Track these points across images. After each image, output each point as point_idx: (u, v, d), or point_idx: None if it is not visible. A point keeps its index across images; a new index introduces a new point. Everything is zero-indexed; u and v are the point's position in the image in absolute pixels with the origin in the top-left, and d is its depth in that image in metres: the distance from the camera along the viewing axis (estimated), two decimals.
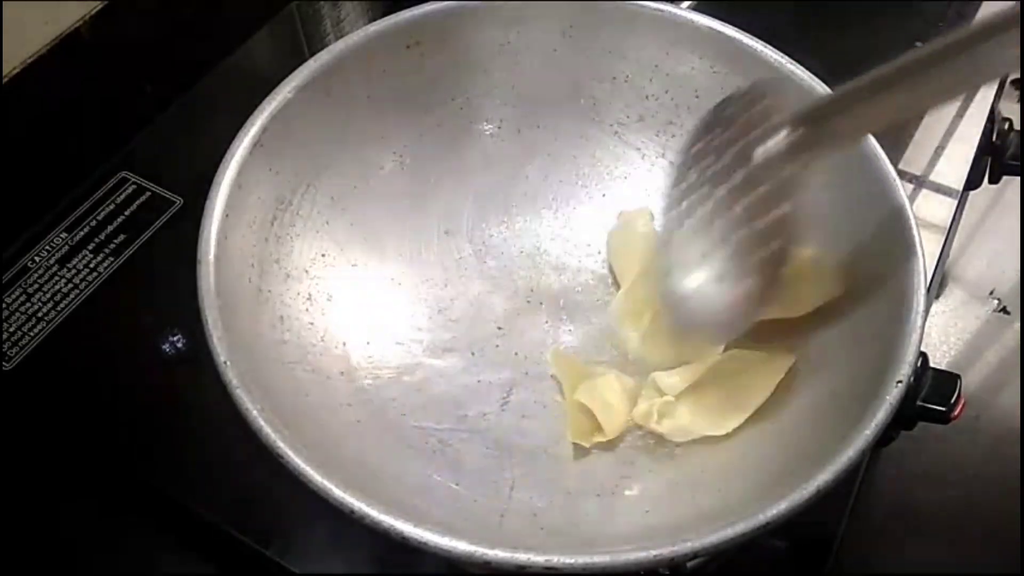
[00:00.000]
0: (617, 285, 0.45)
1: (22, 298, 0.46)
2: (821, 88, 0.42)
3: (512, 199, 0.48)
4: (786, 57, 0.43)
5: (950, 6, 0.62)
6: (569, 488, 0.38)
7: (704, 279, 0.35)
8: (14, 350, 0.44)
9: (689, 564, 0.35)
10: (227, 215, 0.37)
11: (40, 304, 0.46)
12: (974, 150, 0.54)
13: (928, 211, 0.51)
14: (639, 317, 0.42)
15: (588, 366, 0.42)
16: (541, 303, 0.45)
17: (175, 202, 0.50)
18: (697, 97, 0.46)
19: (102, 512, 0.42)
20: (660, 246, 0.39)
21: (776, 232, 0.33)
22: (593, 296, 0.46)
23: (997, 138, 0.56)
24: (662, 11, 0.44)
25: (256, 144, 0.39)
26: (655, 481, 0.38)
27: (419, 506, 0.33)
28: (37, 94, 0.49)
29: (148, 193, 0.50)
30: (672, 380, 0.40)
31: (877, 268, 0.38)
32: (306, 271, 0.41)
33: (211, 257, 0.36)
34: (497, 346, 0.43)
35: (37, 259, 0.47)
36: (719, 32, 0.44)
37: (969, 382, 0.47)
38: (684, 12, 0.44)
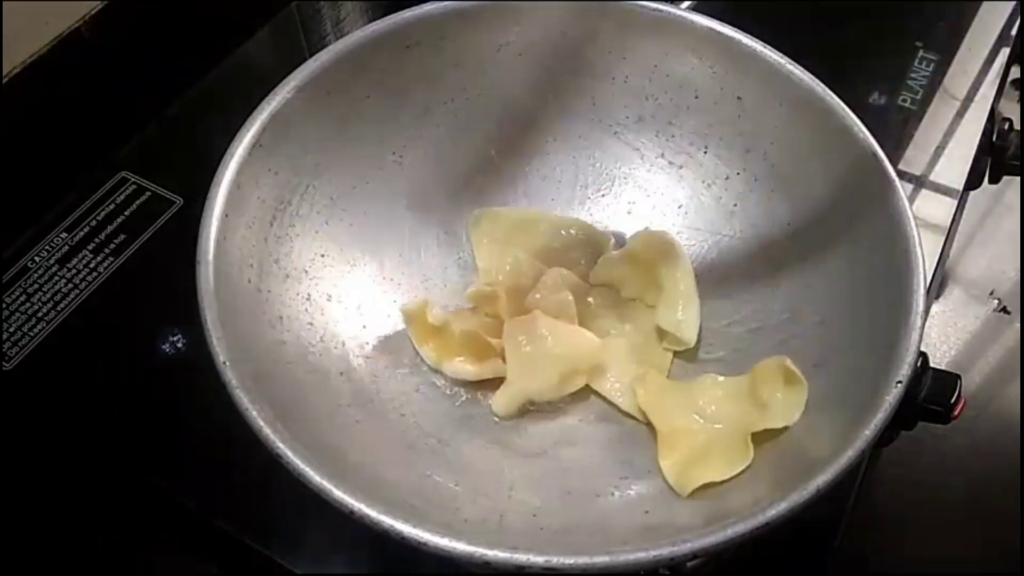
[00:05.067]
0: None
1: (22, 298, 0.46)
2: (820, 88, 0.42)
3: (511, 200, 0.48)
4: (786, 57, 0.43)
5: (950, 6, 0.62)
6: (569, 488, 0.38)
7: None
8: (14, 350, 0.44)
9: (689, 564, 0.35)
10: (227, 215, 0.37)
11: (40, 304, 0.46)
12: (974, 150, 0.54)
13: (928, 211, 0.51)
14: None
15: None
16: None
17: (175, 202, 0.50)
18: (697, 97, 0.46)
19: (102, 512, 0.42)
20: None
21: None
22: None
23: (997, 138, 0.56)
24: (662, 11, 0.44)
25: (256, 144, 0.39)
26: (655, 481, 0.38)
27: (419, 506, 0.33)
28: (37, 94, 0.49)
29: (148, 193, 0.50)
30: None
31: (877, 268, 0.38)
32: (305, 271, 0.41)
33: (210, 257, 0.36)
34: None
35: (37, 259, 0.47)
36: (719, 32, 0.44)
37: (969, 382, 0.47)
38: (684, 12, 0.44)
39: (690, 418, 0.40)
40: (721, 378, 0.40)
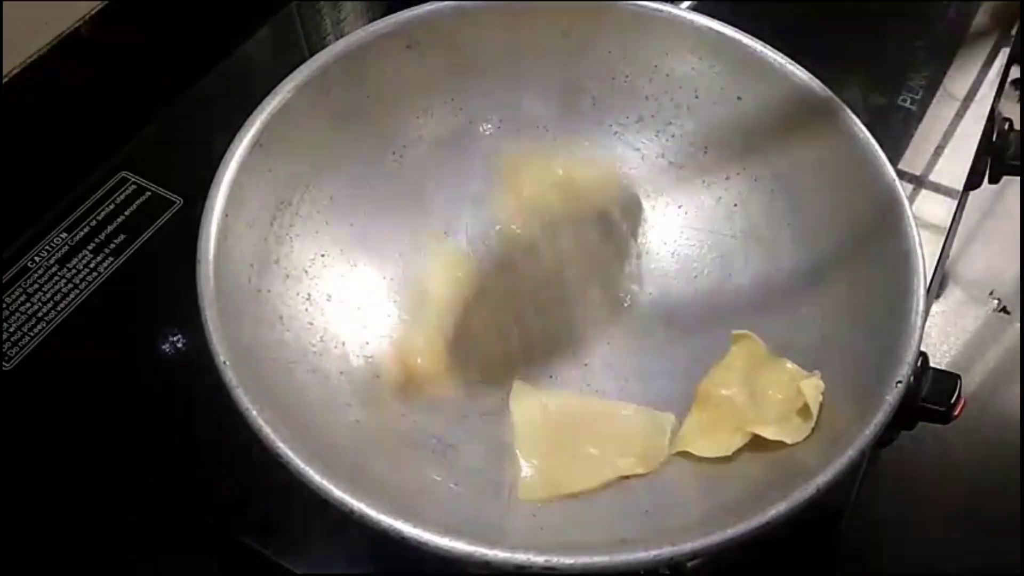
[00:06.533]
0: None
1: (22, 298, 0.46)
2: (820, 88, 0.42)
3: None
4: (786, 57, 0.43)
5: (950, 6, 0.62)
6: None
7: None
8: (14, 350, 0.44)
9: (689, 564, 0.35)
10: (227, 215, 0.37)
11: (40, 304, 0.46)
12: (974, 150, 0.54)
13: (928, 211, 0.51)
14: None
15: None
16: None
17: (175, 202, 0.50)
18: (697, 97, 0.46)
19: (102, 512, 0.42)
20: None
21: None
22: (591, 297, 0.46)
23: (997, 138, 0.56)
24: (662, 11, 0.44)
25: (256, 144, 0.39)
26: (655, 481, 0.38)
27: (418, 506, 0.33)
28: (37, 94, 0.49)
29: (148, 193, 0.50)
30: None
31: (877, 268, 0.39)
32: (305, 271, 0.41)
33: (211, 257, 0.36)
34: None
35: (37, 259, 0.47)
36: (719, 32, 0.44)
37: (969, 382, 0.47)
38: (684, 12, 0.44)
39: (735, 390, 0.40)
40: (789, 365, 0.39)
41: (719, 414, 0.39)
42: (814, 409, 0.37)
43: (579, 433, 0.40)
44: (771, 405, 0.38)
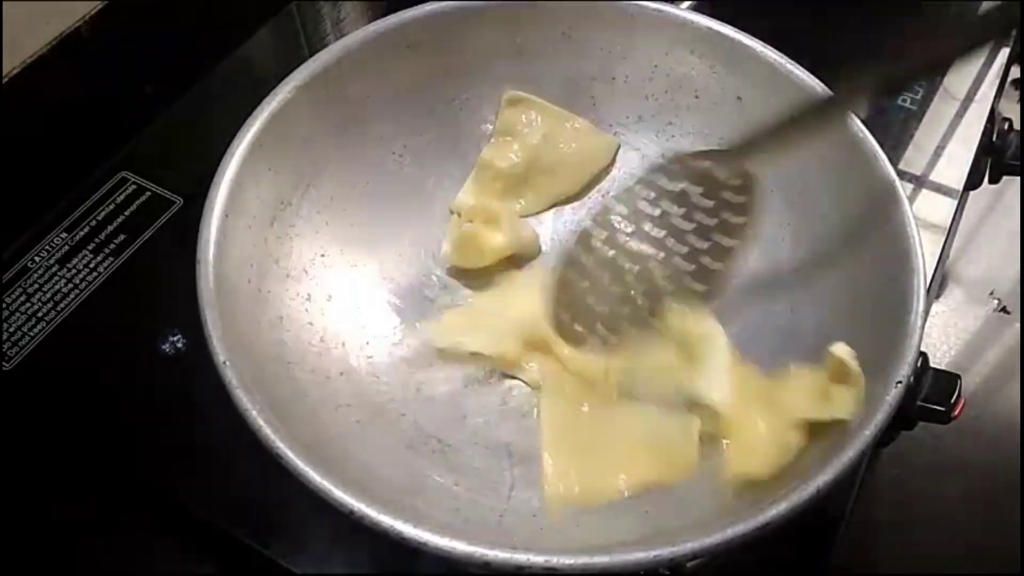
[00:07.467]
0: None
1: (22, 298, 0.46)
2: (821, 88, 0.42)
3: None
4: (785, 57, 0.43)
5: (950, 6, 0.62)
6: None
7: None
8: (14, 350, 0.44)
9: (689, 564, 0.35)
10: (227, 215, 0.37)
11: (40, 304, 0.46)
12: (974, 150, 0.54)
13: (928, 211, 0.51)
14: None
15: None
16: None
17: (175, 202, 0.50)
18: (697, 97, 0.46)
19: (102, 512, 0.42)
20: None
21: None
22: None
23: (997, 138, 0.56)
24: (662, 11, 0.45)
25: (256, 144, 0.39)
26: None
27: (418, 506, 0.33)
28: (37, 94, 0.49)
29: (148, 193, 0.50)
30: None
31: (877, 268, 0.38)
32: (305, 271, 0.41)
33: (211, 257, 0.36)
34: None
35: (37, 259, 0.47)
36: (719, 32, 0.44)
37: (969, 382, 0.47)
38: (684, 12, 0.44)
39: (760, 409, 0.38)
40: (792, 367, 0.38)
41: (759, 435, 0.37)
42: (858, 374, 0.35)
43: (608, 436, 0.39)
44: (801, 405, 0.37)
